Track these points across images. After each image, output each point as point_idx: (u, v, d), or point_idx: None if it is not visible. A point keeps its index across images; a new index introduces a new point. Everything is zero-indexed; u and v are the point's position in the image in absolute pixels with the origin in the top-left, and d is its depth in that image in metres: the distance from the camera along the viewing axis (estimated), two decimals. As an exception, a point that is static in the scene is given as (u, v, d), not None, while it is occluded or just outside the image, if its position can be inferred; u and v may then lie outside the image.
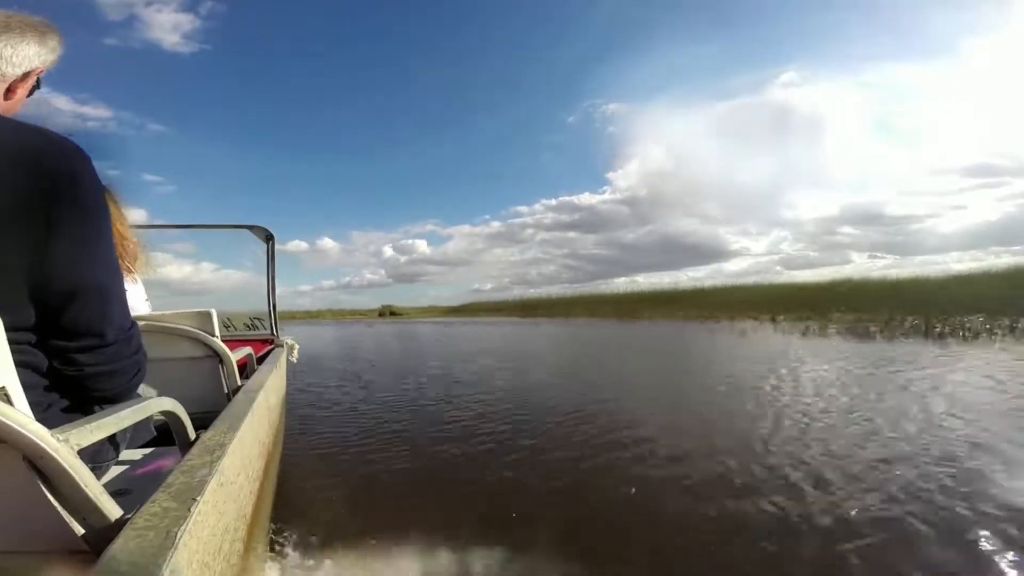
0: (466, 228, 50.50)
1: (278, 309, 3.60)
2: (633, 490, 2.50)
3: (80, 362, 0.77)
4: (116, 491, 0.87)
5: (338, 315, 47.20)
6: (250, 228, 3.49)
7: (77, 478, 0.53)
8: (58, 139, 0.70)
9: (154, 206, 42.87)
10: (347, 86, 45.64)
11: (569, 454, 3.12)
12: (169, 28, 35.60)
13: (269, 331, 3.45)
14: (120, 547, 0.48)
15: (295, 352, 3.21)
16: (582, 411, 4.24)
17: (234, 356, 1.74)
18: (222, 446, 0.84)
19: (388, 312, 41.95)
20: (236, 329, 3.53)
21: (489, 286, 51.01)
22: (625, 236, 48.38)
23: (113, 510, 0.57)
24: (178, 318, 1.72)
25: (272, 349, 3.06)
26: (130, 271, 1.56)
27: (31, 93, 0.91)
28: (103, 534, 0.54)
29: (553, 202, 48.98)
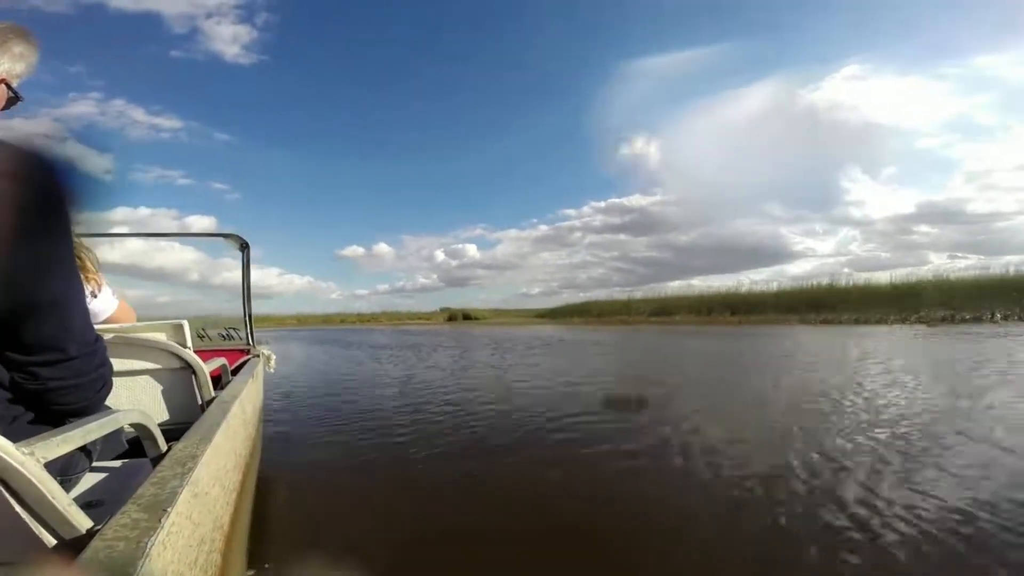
0: (513, 232, 50.42)
1: (254, 317, 3.55)
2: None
3: (42, 376, 0.75)
4: (86, 503, 0.86)
5: (394, 319, 40.26)
6: (225, 236, 3.44)
7: (44, 491, 0.52)
8: (20, 149, 0.69)
9: (222, 213, 49.10)
10: (397, 93, 46.00)
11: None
12: (229, 40, 40.99)
13: (245, 341, 3.39)
14: (90, 558, 0.48)
15: (272, 363, 3.16)
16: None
17: (207, 367, 1.72)
18: (194, 457, 0.83)
19: (460, 316, 36.13)
20: (211, 339, 3.46)
21: (537, 290, 50.18)
22: (679, 238, 52.35)
23: (83, 522, 0.57)
24: (151, 329, 1.69)
25: (248, 360, 3.01)
26: (91, 279, 1.53)
27: (11, 104, 0.88)
28: (73, 546, 0.53)
29: (602, 204, 48.58)
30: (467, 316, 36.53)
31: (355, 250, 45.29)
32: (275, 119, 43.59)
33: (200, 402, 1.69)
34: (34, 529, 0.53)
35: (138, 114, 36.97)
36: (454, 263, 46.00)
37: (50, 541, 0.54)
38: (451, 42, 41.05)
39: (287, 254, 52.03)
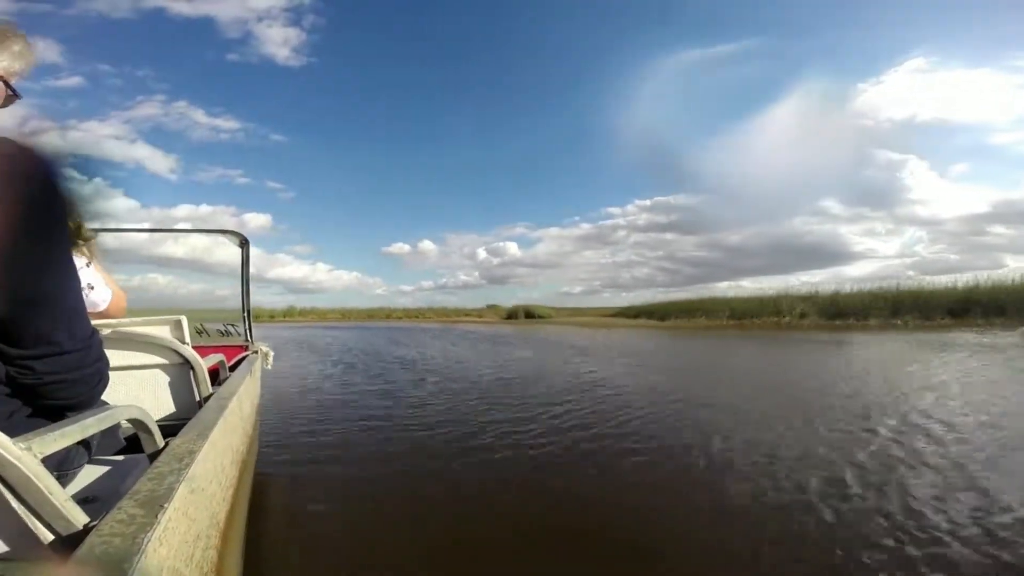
0: (555, 231, 49.58)
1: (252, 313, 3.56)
2: None
3: (38, 370, 0.76)
4: (83, 499, 0.86)
5: (443, 315, 38.68)
6: (225, 233, 3.44)
7: (41, 486, 0.53)
8: (15, 145, 0.69)
9: (277, 211, 45.86)
10: (440, 93, 46.61)
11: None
12: (280, 42, 37.94)
13: (243, 337, 3.39)
14: (85, 553, 0.48)
15: (270, 359, 3.16)
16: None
17: (205, 363, 1.72)
18: (191, 453, 0.83)
19: (521, 313, 33.96)
20: (209, 335, 3.46)
21: (578, 289, 48.58)
22: (729, 237, 42.33)
23: (79, 517, 0.57)
24: (149, 324, 1.69)
25: (246, 356, 3.01)
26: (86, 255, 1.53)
27: (9, 101, 0.89)
28: (69, 541, 0.53)
29: (647, 202, 46.86)
30: (529, 314, 34.02)
31: (401, 247, 46.68)
32: (325, 120, 45.33)
33: (198, 398, 1.69)
34: (30, 525, 0.53)
35: (199, 115, 36.90)
36: (495, 261, 46.13)
37: (47, 537, 0.54)
38: (494, 39, 41.27)
39: (336, 251, 51.00)
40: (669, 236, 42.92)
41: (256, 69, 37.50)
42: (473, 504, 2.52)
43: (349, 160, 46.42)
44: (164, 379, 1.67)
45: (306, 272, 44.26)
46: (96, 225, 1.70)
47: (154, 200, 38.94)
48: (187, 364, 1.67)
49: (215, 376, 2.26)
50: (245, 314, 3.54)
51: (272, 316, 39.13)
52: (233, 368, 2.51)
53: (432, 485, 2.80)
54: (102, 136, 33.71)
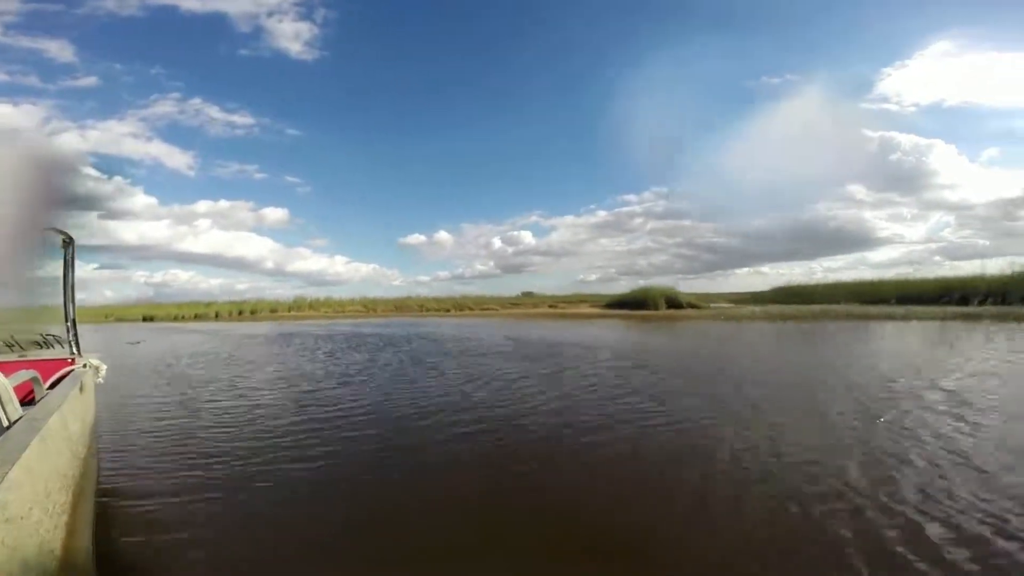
0: (570, 219, 46.33)
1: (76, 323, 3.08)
2: None
3: None
4: None
5: (484, 306, 35.76)
6: (47, 231, 2.91)
7: None
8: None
9: (294, 205, 43.10)
10: (454, 83, 41.81)
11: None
12: (292, 37, 34.71)
13: (68, 350, 2.94)
14: None
15: (101, 373, 2.79)
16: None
17: (12, 381, 1.52)
18: None
19: (661, 302, 30.36)
20: (23, 348, 2.94)
21: (595, 276, 46.22)
22: (748, 223, 40.94)
23: None
24: None
25: (71, 371, 2.64)
26: None
27: None
28: None
29: (664, 189, 43.56)
30: (675, 303, 30.24)
31: (417, 238, 45.22)
32: (339, 113, 43.76)
33: (5, 422, 1.50)
34: None
35: (214, 112, 36.77)
36: (510, 250, 45.36)
37: None
38: (506, 27, 39.48)
39: (353, 243, 50.67)
40: (687, 223, 42.67)
41: (269, 64, 37.53)
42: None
43: (364, 152, 46.07)
44: None
45: (324, 265, 43.45)
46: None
47: (173, 196, 41.24)
48: None
49: (30, 394, 1.99)
50: (69, 323, 3.06)
51: (274, 310, 35.53)
52: (55, 385, 2.21)
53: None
54: (120, 135, 34.74)
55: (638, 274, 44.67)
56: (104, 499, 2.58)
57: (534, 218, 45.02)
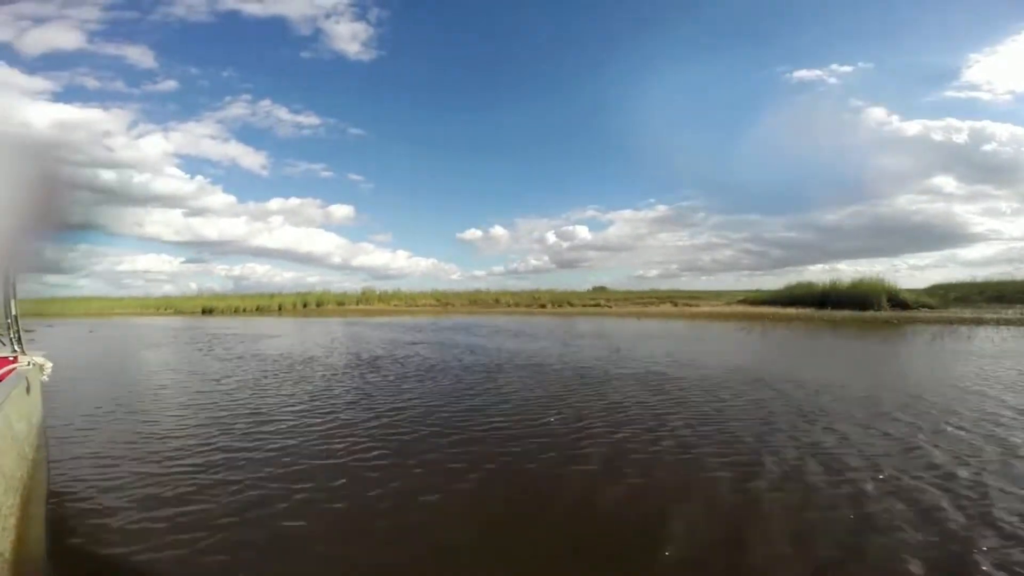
0: (628, 213, 44.17)
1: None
2: None
3: None
4: None
5: (549, 298, 33.92)
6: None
7: None
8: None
9: (359, 202, 44.68)
10: (508, 77, 41.22)
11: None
12: (349, 38, 36.05)
13: (10, 348, 3.18)
14: None
15: (47, 371, 3.07)
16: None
17: None
18: None
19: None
20: None
21: (654, 272, 46.86)
22: (823, 217, 39.24)
23: None
24: None
25: (14, 369, 2.89)
26: None
27: None
28: None
29: (729, 181, 42.76)
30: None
31: (474, 233, 46.20)
32: (397, 112, 47.17)
33: None
34: None
35: (283, 113, 40.33)
36: (565, 245, 45.31)
37: None
38: (560, 11, 40.76)
39: (414, 238, 56.53)
40: (754, 216, 40.71)
41: (329, 65, 40.17)
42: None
43: (422, 150, 48.66)
44: None
45: (387, 259, 46.49)
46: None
47: (249, 194, 45.60)
48: None
49: None
50: (9, 320, 3.27)
51: (341, 303, 35.88)
52: None
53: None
54: (199, 136, 38.36)
55: (700, 270, 44.35)
56: (56, 501, 2.84)
57: (590, 212, 45.10)
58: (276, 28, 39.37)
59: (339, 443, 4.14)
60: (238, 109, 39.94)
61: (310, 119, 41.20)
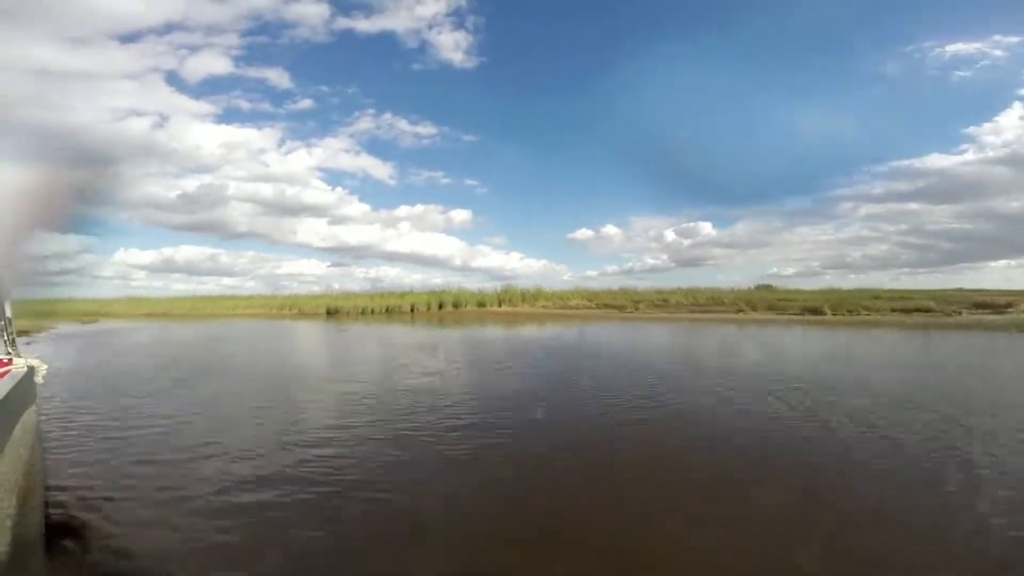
0: (756, 207, 44.41)
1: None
2: None
3: None
4: None
5: (709, 299, 29.50)
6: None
7: None
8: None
9: (476, 206, 51.11)
10: (614, 71, 42.61)
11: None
12: (452, 47, 39.35)
13: (4, 351, 3.13)
14: None
15: (42, 373, 3.02)
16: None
17: None
18: None
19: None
20: None
21: (791, 271, 40.91)
22: (1005, 205, 34.01)
23: None
24: None
25: (8, 371, 2.85)
26: None
27: None
28: None
29: (881, 168, 38.53)
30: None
31: (585, 233, 46.41)
32: (505, 115, 49.48)
33: None
34: None
35: (403, 124, 43.25)
36: (686, 242, 43.89)
37: None
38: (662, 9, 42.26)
39: (526, 240, 57.91)
40: (914, 206, 36.21)
41: (438, 76, 43.40)
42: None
43: (532, 152, 51.12)
44: None
45: (502, 261, 48.00)
46: None
47: (380, 203, 48.31)
48: None
49: None
50: (3, 322, 3.22)
51: (481, 304, 34.92)
52: None
53: None
54: (336, 150, 41.54)
55: (848, 267, 39.39)
56: (53, 501, 2.80)
57: (714, 208, 44.30)
58: (387, 43, 42.28)
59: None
60: (365, 123, 43.89)
61: (427, 129, 44.06)
